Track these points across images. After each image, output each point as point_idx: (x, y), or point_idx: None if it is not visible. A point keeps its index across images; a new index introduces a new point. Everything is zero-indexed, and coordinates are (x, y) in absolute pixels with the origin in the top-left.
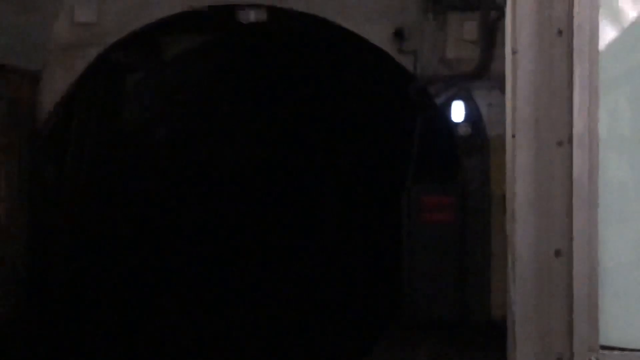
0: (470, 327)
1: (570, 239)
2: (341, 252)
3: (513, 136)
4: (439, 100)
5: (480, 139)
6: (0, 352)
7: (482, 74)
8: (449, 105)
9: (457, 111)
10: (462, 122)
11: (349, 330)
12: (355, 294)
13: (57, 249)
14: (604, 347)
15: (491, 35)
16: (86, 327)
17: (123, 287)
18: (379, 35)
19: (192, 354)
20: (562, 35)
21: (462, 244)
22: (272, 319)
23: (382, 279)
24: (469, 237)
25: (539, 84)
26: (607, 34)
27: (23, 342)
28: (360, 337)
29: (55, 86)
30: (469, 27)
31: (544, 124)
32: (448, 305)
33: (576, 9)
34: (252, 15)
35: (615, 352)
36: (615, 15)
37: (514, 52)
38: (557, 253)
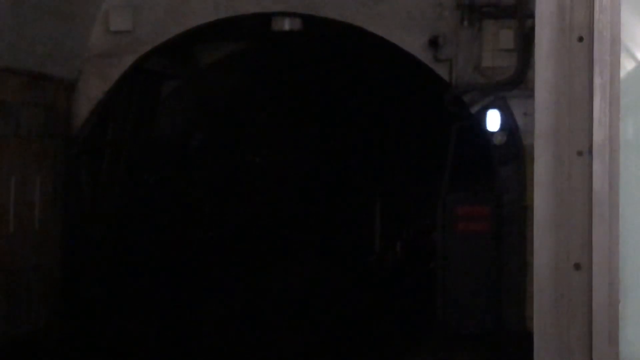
0: (505, 339)
1: (590, 252)
2: (376, 261)
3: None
4: (474, 109)
5: (516, 148)
6: (35, 359)
7: (518, 82)
8: (485, 114)
9: (493, 120)
10: (498, 131)
11: (383, 341)
12: (390, 304)
13: (93, 257)
14: None
15: (527, 43)
16: (120, 335)
17: (158, 295)
18: (414, 43)
19: None
20: (583, 41)
21: (497, 254)
22: (307, 325)
23: (417, 289)
24: (504, 248)
25: (559, 91)
26: (630, 41)
27: (58, 350)
28: (394, 348)
29: (90, 94)
30: (504, 36)
31: (564, 134)
32: (483, 316)
33: (597, 15)
34: (286, 24)
35: None
36: (638, 23)
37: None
38: (577, 266)
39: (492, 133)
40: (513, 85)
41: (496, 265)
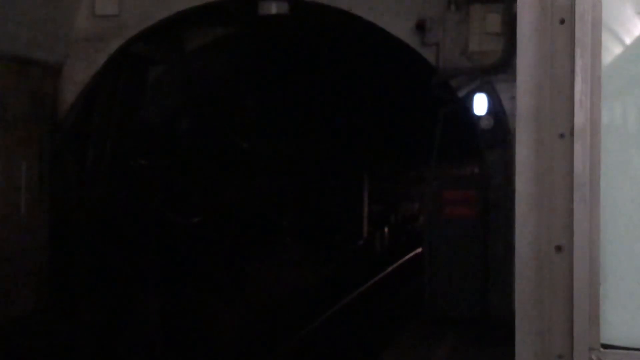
0: (492, 322)
1: (572, 235)
2: (364, 245)
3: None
4: (461, 93)
5: (503, 132)
6: (21, 345)
7: (505, 66)
8: (472, 98)
9: (480, 104)
10: (485, 115)
11: (370, 325)
12: (378, 288)
13: (79, 242)
14: (605, 346)
15: (514, 27)
16: (107, 320)
17: (145, 279)
18: (401, 27)
19: (214, 347)
20: (565, 24)
21: (484, 238)
22: (294, 309)
23: (404, 273)
24: (491, 232)
25: (541, 74)
26: (611, 23)
27: (45, 335)
28: (381, 332)
29: (76, 79)
30: (491, 20)
31: (546, 116)
32: (469, 300)
33: None
34: (273, 8)
35: (617, 351)
36: (619, 5)
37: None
38: (558, 249)
39: (479, 117)
40: (500, 70)
41: (483, 249)
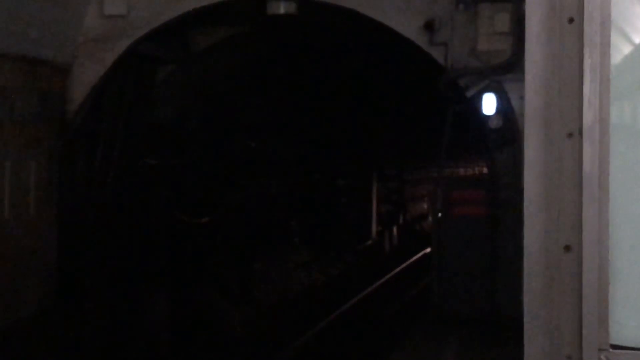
0: (500, 322)
1: (581, 234)
2: (373, 245)
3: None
4: (470, 93)
5: (512, 131)
6: (30, 344)
7: (514, 66)
8: (480, 98)
9: (489, 104)
10: (494, 114)
11: (379, 324)
12: (387, 287)
13: (87, 242)
14: (614, 347)
15: (523, 26)
16: (115, 320)
17: (153, 279)
18: (409, 27)
19: (222, 346)
20: (573, 23)
21: (493, 238)
22: (303, 309)
23: (413, 273)
24: (500, 231)
25: (549, 73)
26: (620, 22)
27: (54, 335)
28: (389, 331)
29: (85, 79)
30: (500, 19)
31: (554, 116)
32: (478, 300)
33: None
34: (281, 8)
35: (626, 352)
36: (628, 4)
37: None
38: (567, 248)
39: (488, 117)
40: (509, 69)
41: (492, 249)
